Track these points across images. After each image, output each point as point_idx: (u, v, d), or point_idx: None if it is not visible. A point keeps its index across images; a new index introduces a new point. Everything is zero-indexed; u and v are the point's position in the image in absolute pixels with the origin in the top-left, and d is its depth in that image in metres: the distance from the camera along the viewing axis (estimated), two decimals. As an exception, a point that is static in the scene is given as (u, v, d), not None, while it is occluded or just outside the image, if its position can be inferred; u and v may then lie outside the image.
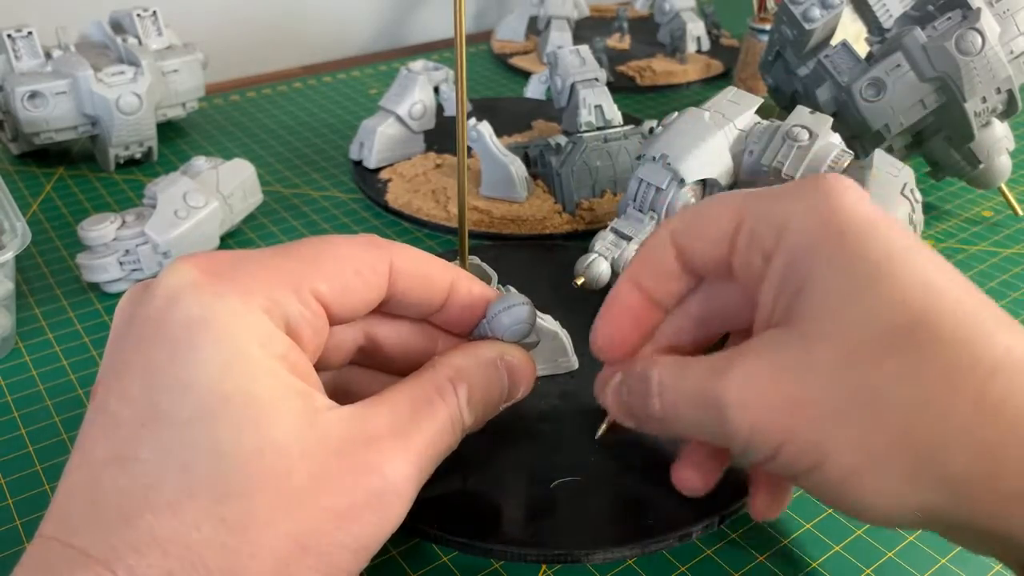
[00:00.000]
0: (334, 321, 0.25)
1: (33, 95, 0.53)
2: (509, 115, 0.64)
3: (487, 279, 0.34)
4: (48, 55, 0.55)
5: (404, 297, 0.26)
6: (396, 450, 0.23)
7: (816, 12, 0.49)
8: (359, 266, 0.25)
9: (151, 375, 0.21)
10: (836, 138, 0.39)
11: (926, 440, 0.21)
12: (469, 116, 0.55)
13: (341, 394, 0.27)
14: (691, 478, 0.29)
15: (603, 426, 0.34)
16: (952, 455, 0.20)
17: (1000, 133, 0.49)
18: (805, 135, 0.38)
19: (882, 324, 0.21)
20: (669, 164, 0.39)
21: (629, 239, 0.40)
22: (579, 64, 0.55)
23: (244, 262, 0.23)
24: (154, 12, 0.59)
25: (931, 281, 0.21)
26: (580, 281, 0.40)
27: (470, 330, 0.29)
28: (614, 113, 0.54)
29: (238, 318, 0.22)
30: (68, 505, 0.21)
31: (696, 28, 0.77)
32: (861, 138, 0.47)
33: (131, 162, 0.59)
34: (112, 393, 0.22)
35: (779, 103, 0.56)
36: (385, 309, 0.27)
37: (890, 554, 0.31)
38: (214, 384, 0.21)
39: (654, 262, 0.27)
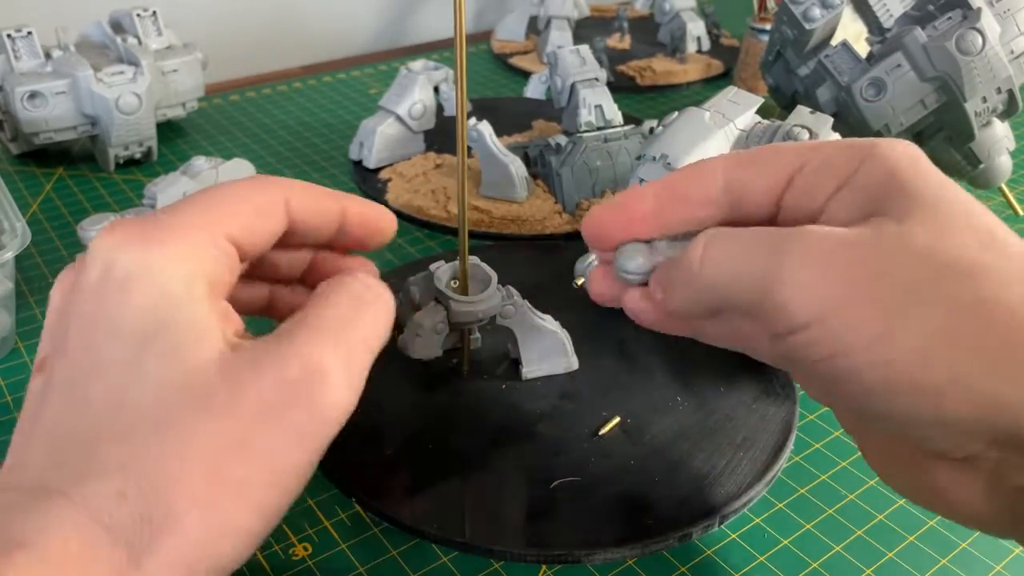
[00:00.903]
0: (244, 258, 0.27)
1: (33, 95, 0.53)
2: (509, 115, 0.64)
3: (487, 279, 0.34)
4: (48, 55, 0.55)
5: (302, 227, 0.28)
6: (307, 333, 0.24)
7: (816, 12, 0.49)
8: (260, 206, 0.27)
9: (92, 331, 0.24)
10: (836, 138, 0.39)
11: (1011, 318, 0.20)
12: (469, 116, 0.55)
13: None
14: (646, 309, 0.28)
15: (609, 426, 0.34)
16: None
17: (1000, 133, 0.49)
18: (805, 135, 0.38)
19: (973, 221, 0.22)
20: (669, 164, 0.39)
21: (629, 239, 0.40)
22: (579, 64, 0.55)
23: (162, 220, 0.25)
24: (154, 12, 0.59)
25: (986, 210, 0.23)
26: (580, 281, 0.40)
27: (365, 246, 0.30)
28: (614, 113, 0.54)
29: (164, 268, 0.24)
30: (27, 457, 0.23)
31: (696, 28, 0.77)
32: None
33: (131, 162, 0.59)
34: (58, 361, 0.24)
35: (779, 103, 0.56)
36: (286, 240, 0.29)
37: (890, 554, 0.31)
38: (143, 324, 0.23)
39: (696, 184, 0.26)
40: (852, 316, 0.21)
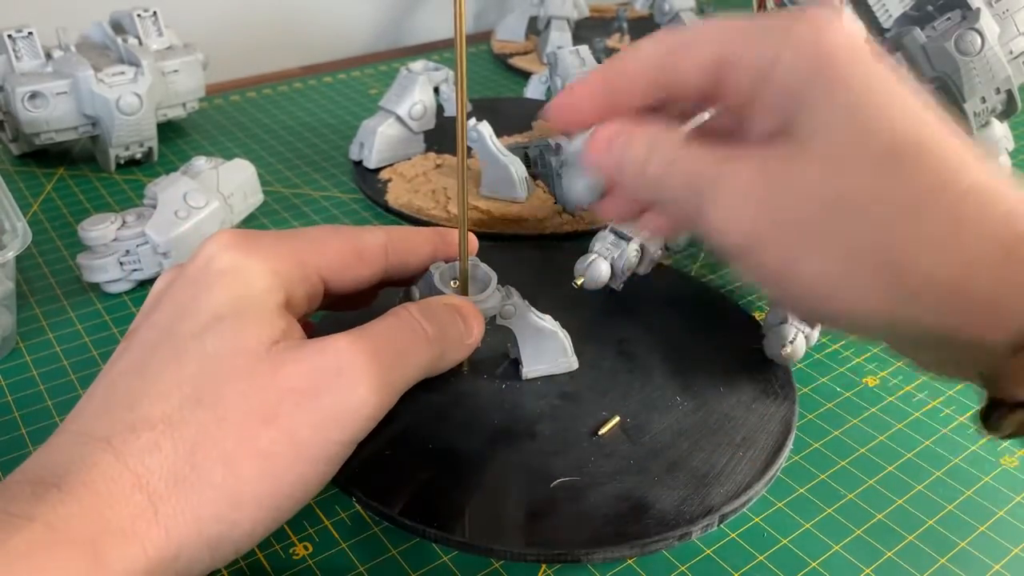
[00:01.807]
0: (332, 291, 0.31)
1: (34, 95, 0.53)
2: (509, 115, 0.64)
3: (487, 279, 0.34)
4: (49, 55, 0.55)
5: (396, 268, 0.32)
6: (347, 338, 0.26)
7: (816, 12, 0.49)
8: (355, 253, 0.31)
9: (178, 308, 0.27)
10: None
11: (901, 249, 0.22)
12: (469, 116, 0.55)
13: None
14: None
15: (608, 426, 0.35)
16: (926, 264, 0.22)
17: (999, 133, 0.49)
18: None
19: (871, 143, 0.23)
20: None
21: (629, 239, 0.40)
22: (579, 64, 0.55)
23: (264, 237, 0.29)
24: (154, 12, 0.59)
25: (916, 111, 0.23)
26: (580, 281, 0.40)
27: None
28: (614, 113, 0.53)
29: (252, 271, 0.27)
30: (86, 406, 0.26)
31: (696, 28, 0.77)
32: (861, 138, 0.47)
33: (131, 162, 0.59)
34: (143, 326, 0.28)
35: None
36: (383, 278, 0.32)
37: (890, 554, 0.31)
38: (220, 308, 0.26)
39: (631, 72, 0.28)
40: (762, 256, 0.24)
